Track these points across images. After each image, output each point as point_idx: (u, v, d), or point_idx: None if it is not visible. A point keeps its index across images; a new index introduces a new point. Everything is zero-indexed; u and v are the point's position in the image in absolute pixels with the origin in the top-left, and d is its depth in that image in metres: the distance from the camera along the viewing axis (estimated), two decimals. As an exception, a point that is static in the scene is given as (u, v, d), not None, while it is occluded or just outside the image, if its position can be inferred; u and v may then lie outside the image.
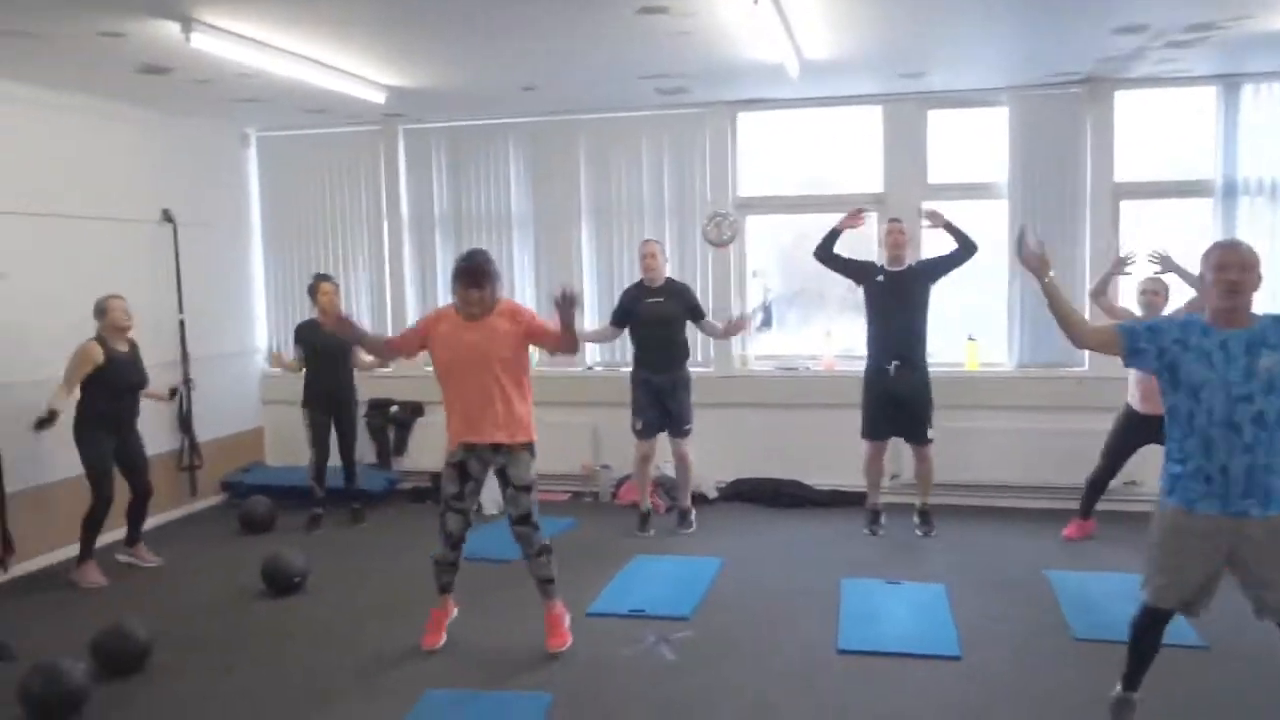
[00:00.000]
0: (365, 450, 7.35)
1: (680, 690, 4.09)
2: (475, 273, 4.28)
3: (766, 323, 7.56)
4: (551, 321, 4.40)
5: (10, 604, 5.31)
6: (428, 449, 7.32)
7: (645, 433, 6.33)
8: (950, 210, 6.21)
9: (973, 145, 6.95)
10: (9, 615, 5.09)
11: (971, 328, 6.93)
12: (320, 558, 5.74)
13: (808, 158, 7.28)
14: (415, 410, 7.64)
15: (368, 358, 6.50)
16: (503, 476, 4.42)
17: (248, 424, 7.89)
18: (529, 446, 4.43)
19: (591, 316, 7.39)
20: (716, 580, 5.42)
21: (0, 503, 5.57)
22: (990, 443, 6.73)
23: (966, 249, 5.98)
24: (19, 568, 5.71)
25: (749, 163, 7.27)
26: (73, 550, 5.75)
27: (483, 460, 4.41)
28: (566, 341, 4.37)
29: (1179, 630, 3.77)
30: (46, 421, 5.40)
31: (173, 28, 4.62)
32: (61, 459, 5.88)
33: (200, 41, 4.69)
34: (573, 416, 7.30)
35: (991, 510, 6.67)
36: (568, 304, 4.21)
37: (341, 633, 4.80)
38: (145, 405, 5.84)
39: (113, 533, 5.91)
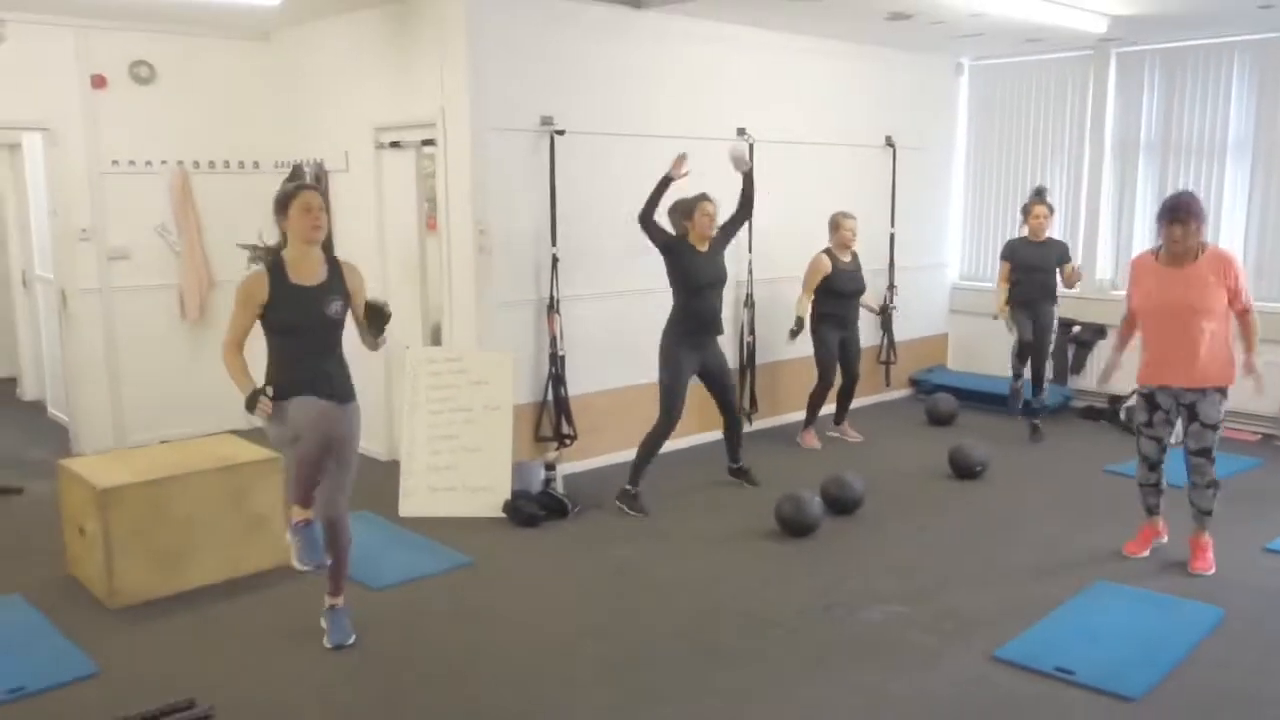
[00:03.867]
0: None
1: (1371, 638, 4.01)
2: (1179, 209, 4.38)
3: None
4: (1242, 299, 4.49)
5: (755, 447, 6.83)
6: (1106, 371, 7.56)
7: None
8: None
9: None
10: (756, 453, 6.61)
11: None
12: (997, 455, 6.38)
13: None
14: (1098, 332, 7.84)
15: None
16: (1190, 411, 4.55)
17: (934, 329, 8.78)
18: (1222, 389, 4.52)
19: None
20: None
21: (751, 371, 7.13)
22: None
23: None
24: (759, 423, 7.27)
25: None
26: (792, 417, 7.16)
27: (1173, 395, 4.58)
28: (1244, 324, 4.54)
29: None
30: (796, 331, 6.62)
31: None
32: (793, 343, 7.30)
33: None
34: (1277, 355, 6.91)
35: None
36: None
37: (1015, 519, 5.44)
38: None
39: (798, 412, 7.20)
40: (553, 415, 6.04)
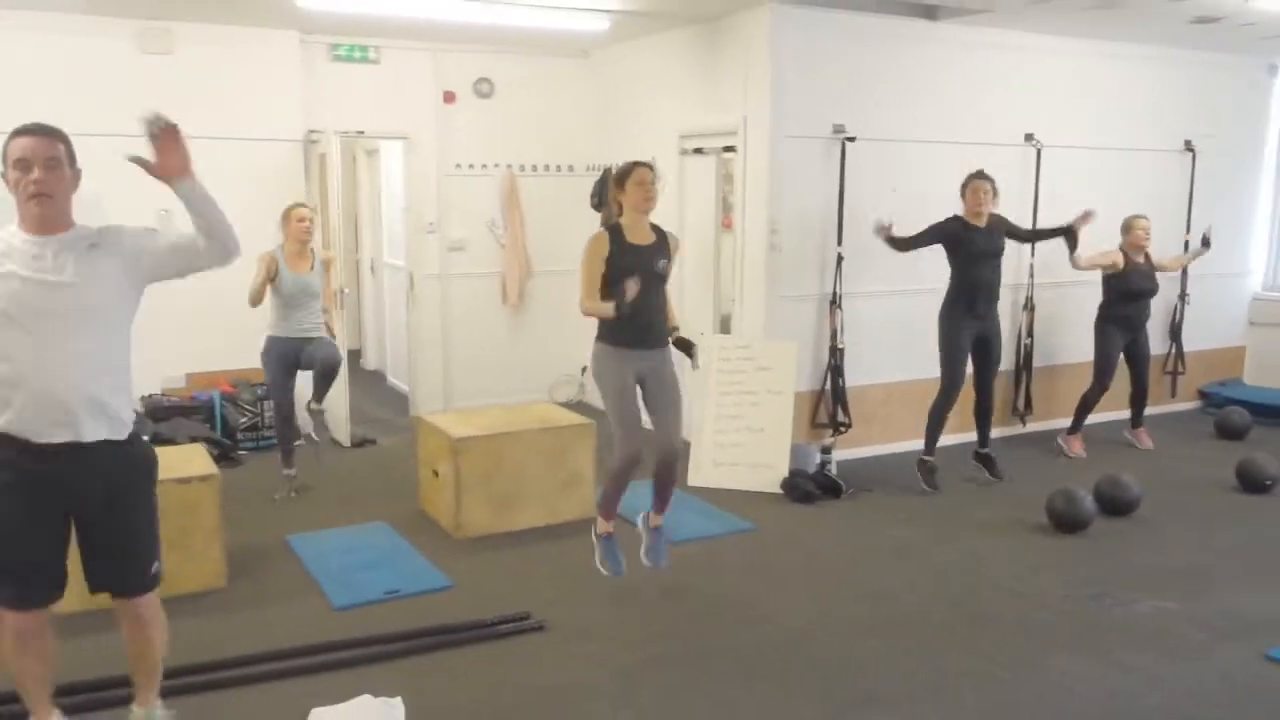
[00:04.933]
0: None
1: None
2: None
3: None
4: None
5: (1027, 448, 6.93)
6: None
7: None
8: None
9: None
10: (1027, 455, 6.72)
11: None
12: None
13: None
14: None
15: None
16: None
17: (1230, 341, 8.43)
18: None
19: None
20: None
21: (1028, 372, 7.22)
22: None
23: None
24: (1033, 425, 7.33)
25: None
26: (1069, 422, 7.16)
27: None
28: None
29: None
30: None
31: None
32: (1071, 346, 7.30)
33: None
34: None
35: None
36: None
37: (1309, 534, 5.31)
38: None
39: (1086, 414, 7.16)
40: (829, 403, 6.46)
